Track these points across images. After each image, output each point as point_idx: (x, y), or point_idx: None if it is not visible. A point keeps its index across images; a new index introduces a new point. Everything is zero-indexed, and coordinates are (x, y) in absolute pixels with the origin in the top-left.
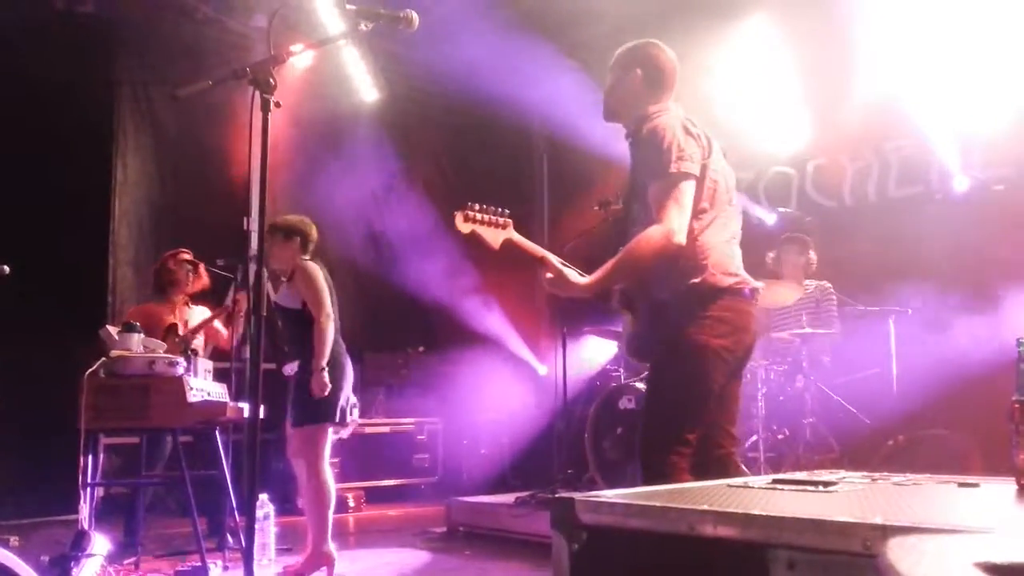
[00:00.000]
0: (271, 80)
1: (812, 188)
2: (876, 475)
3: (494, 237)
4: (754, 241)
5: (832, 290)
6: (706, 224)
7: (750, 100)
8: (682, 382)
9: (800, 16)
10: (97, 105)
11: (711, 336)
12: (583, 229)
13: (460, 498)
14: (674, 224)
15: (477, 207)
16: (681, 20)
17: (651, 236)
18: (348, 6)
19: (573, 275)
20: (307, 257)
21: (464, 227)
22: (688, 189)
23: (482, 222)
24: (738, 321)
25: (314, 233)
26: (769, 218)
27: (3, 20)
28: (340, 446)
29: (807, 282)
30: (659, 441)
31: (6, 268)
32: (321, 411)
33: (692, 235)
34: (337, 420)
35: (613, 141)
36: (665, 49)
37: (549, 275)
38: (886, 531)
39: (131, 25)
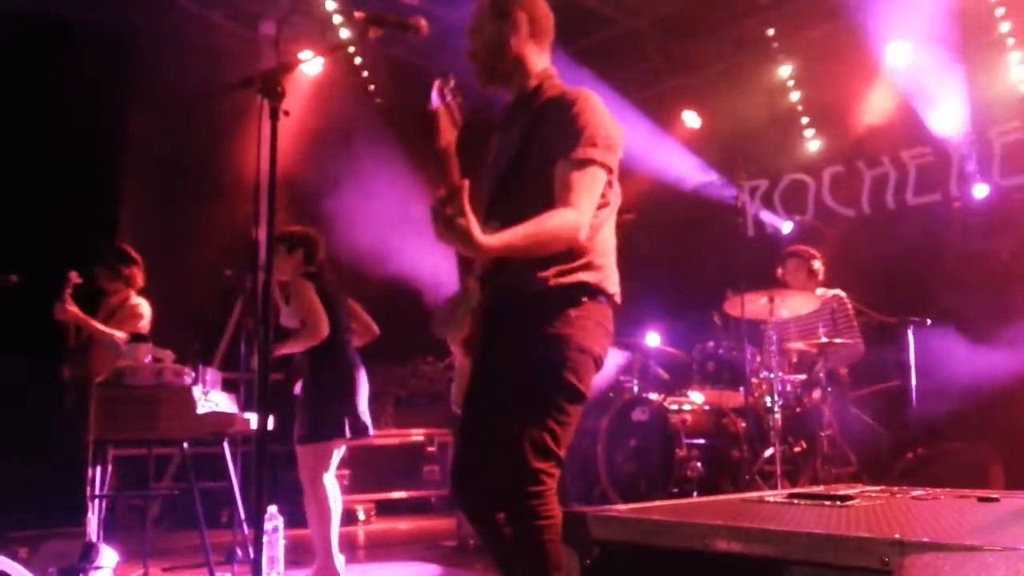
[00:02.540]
0: (280, 88)
1: (829, 196)
2: (895, 489)
3: (447, 132)
4: (769, 250)
5: (847, 300)
6: (603, 220)
7: (768, 106)
8: (564, 389)
9: (817, 24)
10: (107, 113)
11: (594, 343)
12: None
13: None
14: (585, 218)
15: (454, 84)
16: (694, 26)
17: (565, 220)
18: (357, 13)
19: (476, 227)
20: (312, 269)
21: (436, 102)
22: (602, 182)
23: (450, 108)
24: (610, 334)
25: (320, 245)
26: (785, 226)
27: (14, 30)
28: (350, 458)
29: (820, 291)
30: (524, 468)
31: (14, 277)
32: (324, 430)
33: (590, 230)
34: (342, 435)
35: (626, 148)
36: None
37: (452, 214)
38: (904, 547)
39: (141, 33)
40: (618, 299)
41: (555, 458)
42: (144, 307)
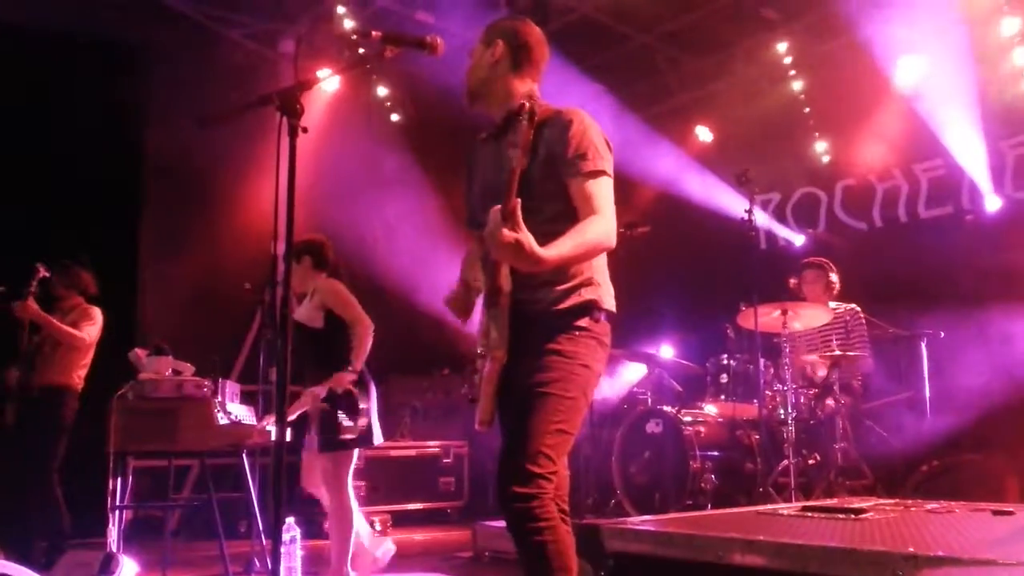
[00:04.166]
0: (298, 106)
1: (841, 209)
2: (909, 502)
3: (524, 157)
4: (780, 263)
5: (861, 314)
6: None
7: (780, 120)
8: (566, 406)
9: (828, 38)
10: (126, 130)
11: (595, 359)
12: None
13: (486, 523)
14: (613, 222)
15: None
16: (706, 41)
17: (602, 227)
18: (374, 32)
19: (535, 242)
20: (326, 274)
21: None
22: (612, 188)
23: (527, 134)
24: (608, 349)
25: (326, 249)
26: (797, 240)
27: (33, 46)
28: (366, 469)
29: (834, 304)
30: (522, 473)
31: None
32: (343, 436)
33: None
34: (362, 443)
35: (639, 162)
36: (529, 23)
37: (517, 235)
38: (918, 561)
39: (160, 51)
40: (614, 310)
41: (552, 464)
42: (98, 313)
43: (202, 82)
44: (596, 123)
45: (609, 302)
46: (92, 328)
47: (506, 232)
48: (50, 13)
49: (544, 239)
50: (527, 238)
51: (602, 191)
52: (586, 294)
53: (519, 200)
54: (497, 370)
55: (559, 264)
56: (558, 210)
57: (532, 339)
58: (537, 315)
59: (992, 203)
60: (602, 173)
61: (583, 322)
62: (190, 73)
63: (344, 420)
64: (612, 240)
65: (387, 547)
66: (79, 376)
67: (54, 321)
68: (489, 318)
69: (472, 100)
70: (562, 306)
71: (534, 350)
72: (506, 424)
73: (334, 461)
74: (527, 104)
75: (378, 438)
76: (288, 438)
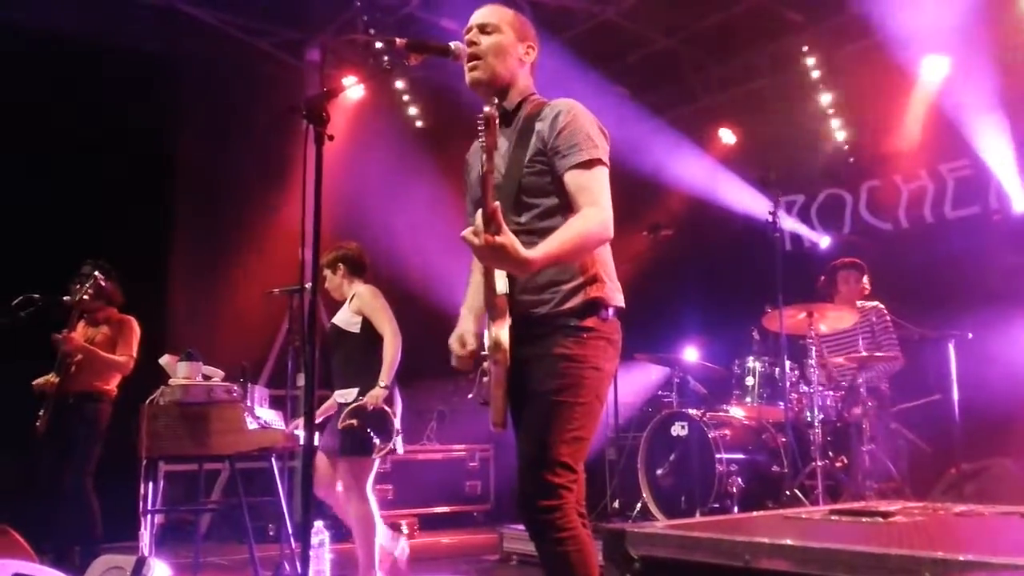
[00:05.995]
0: (324, 114)
1: (866, 210)
2: (937, 505)
3: (490, 159)
4: (805, 264)
5: (886, 312)
6: None
7: (804, 121)
8: (580, 412)
9: (853, 39)
10: (156, 138)
11: (605, 360)
12: (631, 255)
13: (512, 526)
14: (609, 212)
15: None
16: (729, 44)
17: (595, 218)
18: (398, 40)
19: (520, 245)
20: (362, 280)
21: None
22: (607, 177)
23: (492, 135)
24: (619, 347)
25: (361, 255)
26: (823, 241)
27: (65, 55)
28: (392, 473)
29: (860, 303)
30: (541, 483)
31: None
32: (368, 443)
33: None
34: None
35: (663, 165)
36: None
37: (499, 239)
38: (947, 565)
39: (188, 61)
40: (622, 306)
41: (572, 473)
42: (135, 325)
43: (230, 91)
44: (589, 112)
45: (617, 298)
46: (132, 348)
47: (487, 236)
48: (80, 23)
49: (540, 236)
50: (510, 240)
51: (596, 181)
52: (592, 292)
53: (498, 203)
54: (503, 372)
55: (549, 263)
56: (553, 204)
57: (540, 343)
58: (544, 317)
59: (1020, 203)
60: (596, 162)
61: (590, 322)
62: (218, 83)
63: (374, 438)
64: (609, 231)
65: (403, 546)
66: (114, 382)
67: (99, 352)
68: (489, 321)
69: (491, 86)
70: (568, 306)
71: (543, 355)
72: (521, 432)
73: (355, 469)
74: (488, 109)
75: (399, 448)
76: (316, 442)
